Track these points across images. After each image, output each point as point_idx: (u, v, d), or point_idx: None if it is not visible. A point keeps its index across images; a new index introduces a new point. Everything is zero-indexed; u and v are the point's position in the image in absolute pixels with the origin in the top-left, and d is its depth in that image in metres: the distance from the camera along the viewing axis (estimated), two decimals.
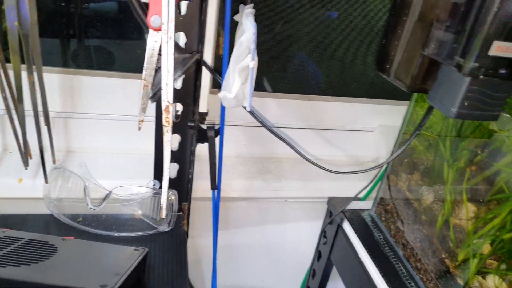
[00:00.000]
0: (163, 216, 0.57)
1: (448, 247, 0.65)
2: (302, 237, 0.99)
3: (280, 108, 0.92)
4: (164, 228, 0.72)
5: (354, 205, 0.91)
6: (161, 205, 0.57)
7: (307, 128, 0.96)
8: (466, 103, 0.51)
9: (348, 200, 0.89)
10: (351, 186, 0.93)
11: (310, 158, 0.98)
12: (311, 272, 0.99)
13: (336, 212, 0.88)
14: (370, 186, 0.91)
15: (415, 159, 0.75)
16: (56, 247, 0.57)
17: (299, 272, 1.03)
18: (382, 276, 0.72)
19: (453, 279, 0.63)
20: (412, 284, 0.71)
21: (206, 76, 0.67)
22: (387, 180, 0.82)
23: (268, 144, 0.94)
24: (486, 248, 0.59)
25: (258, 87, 0.93)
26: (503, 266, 0.57)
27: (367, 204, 0.91)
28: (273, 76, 0.95)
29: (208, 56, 0.67)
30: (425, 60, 0.56)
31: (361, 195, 0.93)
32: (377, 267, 0.74)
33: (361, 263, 0.78)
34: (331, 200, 0.91)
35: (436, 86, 0.55)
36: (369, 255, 0.77)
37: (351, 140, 0.99)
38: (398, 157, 0.80)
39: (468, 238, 0.61)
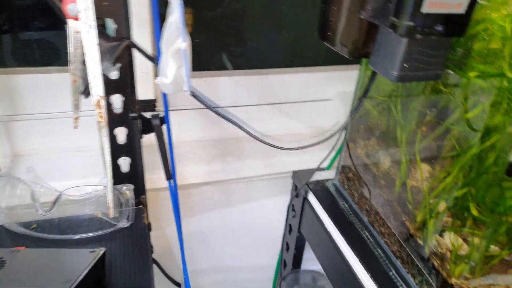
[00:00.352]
0: (111, 215, 0.55)
1: (408, 210, 0.65)
2: (273, 213, 0.99)
3: (236, 86, 0.89)
4: (124, 224, 0.70)
5: (320, 175, 0.91)
6: (108, 204, 0.54)
7: (265, 104, 0.94)
8: (406, 65, 0.50)
9: (312, 172, 0.88)
10: (315, 157, 0.93)
11: (271, 134, 0.97)
12: (285, 246, 1.00)
13: (301, 185, 0.87)
14: (332, 156, 0.90)
15: (371, 124, 0.75)
16: (3, 260, 0.55)
17: (275, 246, 1.03)
18: (349, 245, 0.73)
19: (414, 241, 0.64)
20: (378, 249, 0.71)
21: (149, 62, 0.64)
22: (347, 148, 0.82)
23: (227, 124, 0.92)
24: (442, 207, 0.60)
25: (210, 66, 0.90)
26: (458, 224, 0.58)
27: (331, 174, 0.91)
28: (226, 53, 0.92)
29: (146, 39, 0.64)
30: (364, 24, 0.54)
31: (325, 165, 0.93)
32: (343, 236, 0.74)
33: (328, 234, 0.78)
34: (295, 174, 0.90)
35: (376, 50, 0.54)
36: (335, 224, 0.77)
37: (311, 111, 0.98)
38: (355, 124, 0.79)
39: (424, 199, 0.61)
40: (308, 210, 0.86)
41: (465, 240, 0.56)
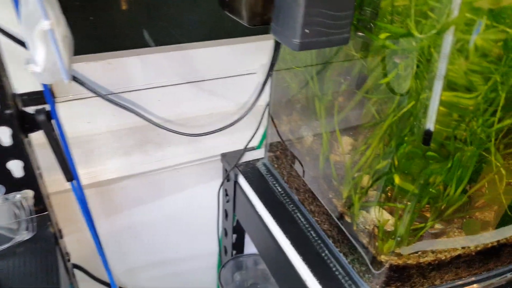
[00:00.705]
0: None
1: (334, 186, 0.61)
2: (207, 199, 0.93)
3: (148, 65, 0.80)
4: (23, 236, 0.62)
5: (251, 155, 0.85)
6: None
7: (185, 82, 0.86)
8: (307, 31, 0.44)
9: (240, 153, 0.82)
10: (245, 136, 0.87)
11: (194, 115, 0.90)
12: (223, 232, 0.95)
13: (230, 168, 0.81)
14: (261, 134, 0.85)
15: (292, 98, 0.69)
16: None
17: (213, 234, 0.98)
18: (280, 227, 0.68)
19: (342, 218, 0.60)
20: (310, 229, 0.67)
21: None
22: (273, 124, 0.76)
23: (144, 108, 0.84)
24: (365, 181, 0.56)
25: (114, 46, 0.80)
26: (384, 199, 0.54)
27: (262, 153, 0.86)
28: (132, 30, 0.83)
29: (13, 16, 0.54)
30: None
31: (255, 143, 0.88)
32: (274, 218, 0.70)
33: (259, 217, 0.73)
34: (224, 157, 0.84)
35: (275, 16, 0.48)
36: (266, 207, 0.72)
37: (236, 86, 0.91)
38: (277, 98, 0.74)
39: (347, 174, 0.57)
40: (239, 193, 0.81)
41: (392, 214, 0.53)
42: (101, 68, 0.75)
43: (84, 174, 0.74)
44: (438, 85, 0.41)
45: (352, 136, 0.59)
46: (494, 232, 0.56)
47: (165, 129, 0.65)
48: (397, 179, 0.51)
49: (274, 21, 0.48)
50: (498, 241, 0.56)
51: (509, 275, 0.59)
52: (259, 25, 0.50)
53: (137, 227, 0.89)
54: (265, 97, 0.93)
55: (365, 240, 0.56)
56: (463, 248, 0.54)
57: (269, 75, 0.54)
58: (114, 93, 0.76)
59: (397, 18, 0.46)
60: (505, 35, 0.39)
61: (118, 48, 0.80)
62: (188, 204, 0.91)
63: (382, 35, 0.47)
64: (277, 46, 0.52)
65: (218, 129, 0.62)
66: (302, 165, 0.69)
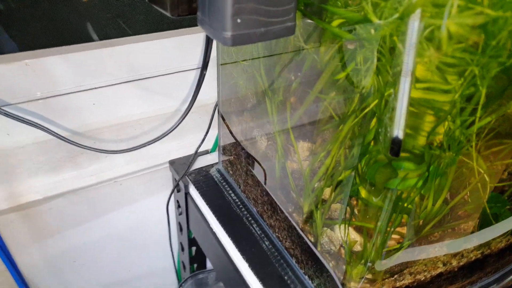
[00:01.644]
0: None
1: (292, 198, 0.53)
2: (157, 213, 0.83)
3: (71, 65, 0.69)
4: None
5: (203, 161, 0.76)
6: None
7: (121, 82, 0.75)
8: (239, 20, 0.35)
9: (190, 159, 0.73)
10: (195, 139, 0.77)
11: (136, 118, 0.79)
12: (179, 246, 0.85)
13: (179, 176, 0.71)
14: (215, 136, 0.75)
15: (241, 96, 0.60)
16: None
17: (165, 249, 0.88)
18: (235, 245, 0.60)
19: (305, 235, 0.52)
20: (270, 246, 0.59)
21: None
22: (224, 126, 0.67)
23: (77, 114, 0.73)
24: (327, 194, 0.47)
25: (33, 44, 0.68)
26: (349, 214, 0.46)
27: (216, 157, 0.76)
28: (54, 25, 0.71)
29: None
30: None
31: (207, 147, 0.78)
32: (229, 235, 0.61)
33: (213, 233, 0.64)
34: (172, 164, 0.74)
35: (201, 3, 0.38)
36: (220, 221, 0.63)
37: (182, 83, 0.81)
38: (226, 96, 0.64)
39: (306, 185, 0.49)
40: (191, 204, 0.71)
41: (361, 233, 0.45)
42: (17, 70, 0.64)
43: (4, 197, 0.63)
44: (405, 83, 0.33)
45: (308, 141, 0.51)
46: (476, 235, 0.50)
47: (74, 144, 0.54)
48: (363, 192, 0.43)
49: (200, 10, 0.38)
50: (482, 252, 0.49)
51: (495, 286, 0.53)
52: (186, 15, 0.40)
53: (76, 251, 0.79)
54: (211, 94, 0.84)
55: (331, 263, 0.48)
56: (444, 265, 0.47)
57: (202, 74, 0.44)
58: (58, 95, 0.64)
59: (352, 1, 0.37)
60: (484, 18, 0.30)
61: (38, 47, 0.68)
62: (136, 220, 0.81)
63: (335, 22, 0.38)
64: (208, 40, 0.42)
65: (159, 136, 0.52)
66: (262, 172, 0.60)
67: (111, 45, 0.71)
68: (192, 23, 0.80)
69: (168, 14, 0.40)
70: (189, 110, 0.56)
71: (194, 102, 0.50)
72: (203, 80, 0.48)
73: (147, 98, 0.78)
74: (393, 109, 0.35)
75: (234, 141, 0.65)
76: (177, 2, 0.39)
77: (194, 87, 0.81)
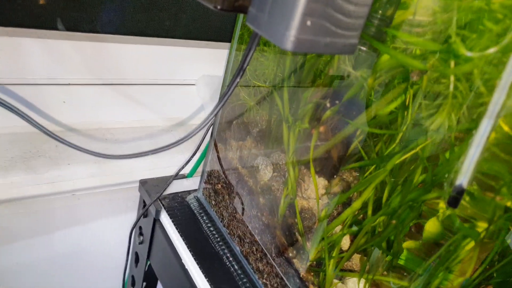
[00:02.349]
0: None
1: (297, 241, 0.46)
2: (115, 237, 0.72)
3: (51, 54, 0.59)
4: None
5: (179, 186, 0.67)
6: None
7: (101, 83, 0.66)
8: (309, 23, 0.30)
9: (165, 181, 0.64)
10: (173, 160, 0.69)
11: (110, 126, 0.70)
12: (130, 279, 0.74)
13: (150, 200, 0.62)
14: (196, 160, 0.68)
15: (247, 119, 0.54)
16: None
17: (118, 280, 0.77)
18: (210, 284, 0.51)
19: (304, 285, 0.45)
20: None
21: None
22: (215, 150, 0.60)
23: (44, 108, 0.62)
24: (347, 242, 0.42)
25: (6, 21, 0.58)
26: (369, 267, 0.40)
27: (195, 183, 0.68)
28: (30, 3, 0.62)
29: None
30: None
31: (186, 171, 0.70)
32: (206, 276, 0.53)
33: (184, 270, 0.55)
34: (144, 185, 0.65)
35: None
36: (194, 257, 0.55)
37: (169, 97, 0.73)
38: (225, 118, 0.58)
39: (321, 229, 0.43)
40: (159, 234, 0.62)
41: None
42: None
43: None
44: (487, 125, 0.29)
45: (324, 177, 0.45)
46: None
47: (63, 142, 0.45)
48: (408, 244, 0.38)
49: (255, 5, 0.33)
50: None
51: None
52: (231, 11, 0.35)
53: (18, 270, 0.65)
54: (198, 112, 0.77)
55: None
56: None
57: (234, 83, 0.38)
58: (24, 84, 0.54)
59: (419, 30, 0.34)
60: None
61: (10, 25, 0.58)
62: (89, 243, 0.69)
63: (394, 51, 0.34)
64: (252, 41, 0.36)
65: (145, 152, 0.44)
66: (251, 207, 0.53)
67: (97, 40, 0.63)
68: (192, 35, 0.74)
69: (211, 6, 0.34)
70: (209, 122, 0.48)
71: (218, 116, 0.43)
72: (232, 91, 0.41)
73: (126, 107, 0.69)
74: (460, 154, 0.31)
75: (224, 167, 0.58)
76: None
77: (179, 102, 0.74)
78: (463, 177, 0.31)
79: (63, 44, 0.59)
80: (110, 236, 0.70)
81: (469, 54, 0.29)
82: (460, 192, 0.32)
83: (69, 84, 0.62)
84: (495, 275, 0.40)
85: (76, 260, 0.70)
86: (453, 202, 0.32)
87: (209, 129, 0.59)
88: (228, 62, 0.55)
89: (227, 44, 0.79)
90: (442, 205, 0.36)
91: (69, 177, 0.59)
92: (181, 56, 0.72)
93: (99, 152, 0.45)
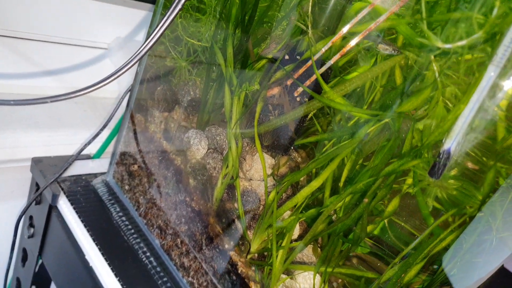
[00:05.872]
0: None
1: (235, 230, 0.39)
2: None
3: None
4: None
5: (83, 167, 0.55)
6: None
7: None
8: None
9: (66, 160, 0.51)
10: (77, 136, 0.57)
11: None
12: (15, 282, 0.59)
13: (45, 182, 0.49)
14: (105, 137, 0.56)
15: (175, 86, 0.45)
16: None
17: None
18: (122, 285, 0.41)
19: (243, 284, 0.37)
20: None
21: None
22: (131, 124, 0.49)
23: None
24: (298, 229, 0.35)
25: None
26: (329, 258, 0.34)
27: (103, 165, 0.57)
28: None
29: None
30: None
31: (92, 150, 0.58)
32: (116, 274, 0.42)
33: (88, 268, 0.44)
34: (37, 163, 0.52)
35: None
36: (101, 251, 0.44)
37: (75, 61, 0.61)
38: (146, 86, 0.48)
39: (268, 214, 0.36)
40: (56, 226, 0.49)
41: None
42: None
43: None
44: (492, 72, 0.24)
45: (271, 154, 0.38)
46: None
47: None
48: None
49: None
50: None
51: None
52: None
53: None
54: (116, 86, 0.65)
55: None
56: None
57: (156, 37, 0.28)
58: None
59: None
60: None
61: None
62: None
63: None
64: None
65: (43, 98, 0.33)
66: (176, 192, 0.44)
67: None
68: None
69: None
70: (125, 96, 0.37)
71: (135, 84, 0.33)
72: (144, 54, 0.31)
73: (14, 65, 0.55)
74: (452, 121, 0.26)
75: (142, 144, 0.48)
76: None
77: (87, 68, 0.62)
78: (452, 141, 0.26)
79: None
80: None
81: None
82: (446, 157, 0.27)
83: None
84: None
85: None
86: (436, 171, 0.27)
87: (123, 98, 0.49)
88: (151, 25, 0.45)
89: (148, 6, 0.68)
90: (409, 181, 0.31)
91: None
92: (92, 11, 0.59)
93: None
